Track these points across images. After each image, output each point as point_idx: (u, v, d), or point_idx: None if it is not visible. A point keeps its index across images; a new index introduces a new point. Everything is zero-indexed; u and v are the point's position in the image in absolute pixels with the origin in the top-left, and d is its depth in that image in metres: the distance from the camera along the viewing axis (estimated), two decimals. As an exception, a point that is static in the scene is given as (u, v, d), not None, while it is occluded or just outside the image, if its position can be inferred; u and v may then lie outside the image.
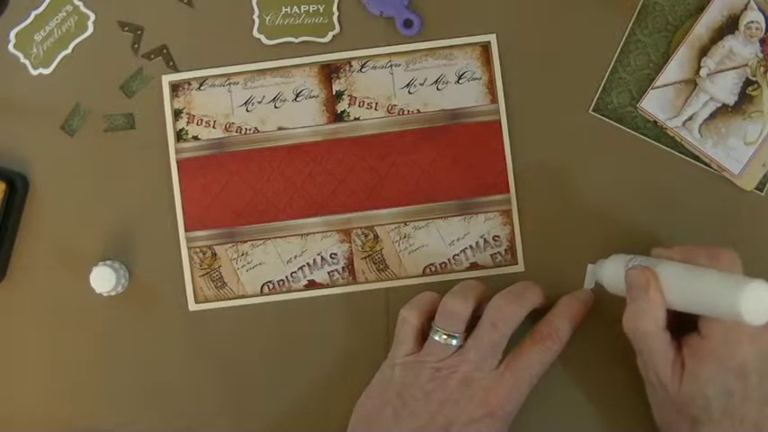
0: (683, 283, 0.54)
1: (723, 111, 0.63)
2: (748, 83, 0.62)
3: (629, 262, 0.58)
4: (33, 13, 0.66)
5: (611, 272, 0.59)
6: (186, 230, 0.65)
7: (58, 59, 0.66)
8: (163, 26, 0.65)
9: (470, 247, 0.65)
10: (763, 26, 0.62)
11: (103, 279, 0.62)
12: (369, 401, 0.60)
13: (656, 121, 0.63)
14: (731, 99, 0.63)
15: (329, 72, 0.65)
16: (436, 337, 0.59)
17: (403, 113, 0.65)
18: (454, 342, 0.59)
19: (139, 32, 0.66)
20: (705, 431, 0.55)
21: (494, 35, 0.64)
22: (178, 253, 0.65)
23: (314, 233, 0.65)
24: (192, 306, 0.65)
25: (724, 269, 0.54)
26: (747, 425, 0.54)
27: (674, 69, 0.63)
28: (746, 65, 0.62)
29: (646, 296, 0.55)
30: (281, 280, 0.65)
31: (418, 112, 0.65)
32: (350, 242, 0.65)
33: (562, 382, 0.63)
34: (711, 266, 0.55)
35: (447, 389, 0.58)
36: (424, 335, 0.60)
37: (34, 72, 0.66)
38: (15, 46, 0.66)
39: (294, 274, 0.65)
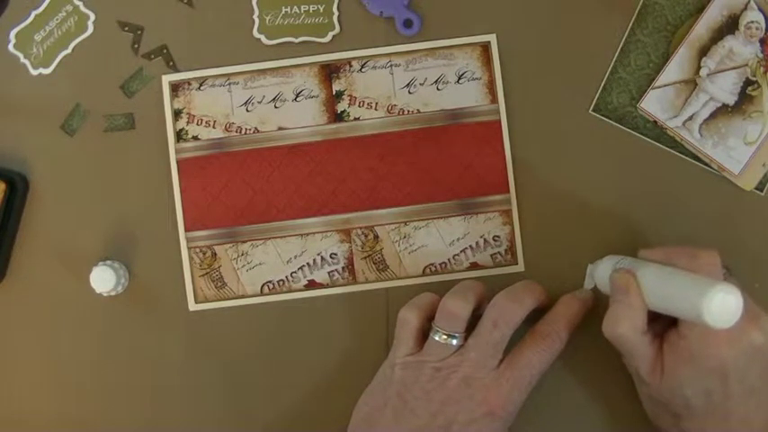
0: (658, 287, 0.54)
1: (723, 111, 0.63)
2: (748, 83, 0.62)
3: (616, 264, 0.58)
4: (33, 13, 0.66)
5: (601, 273, 0.59)
6: (186, 230, 0.65)
7: (58, 59, 0.66)
8: (163, 26, 0.65)
9: (470, 247, 0.64)
10: (763, 26, 0.62)
11: (103, 279, 0.62)
12: (369, 401, 0.60)
13: (656, 121, 0.63)
14: (731, 99, 0.63)
15: (329, 72, 0.65)
16: (436, 338, 0.59)
17: (403, 113, 0.65)
18: (454, 342, 0.59)
19: (139, 32, 0.66)
20: (686, 425, 0.56)
21: (494, 35, 0.64)
22: (178, 253, 0.65)
23: (314, 233, 0.65)
24: (192, 306, 0.65)
25: (703, 269, 0.54)
26: (734, 420, 0.55)
27: (674, 69, 0.63)
28: (746, 65, 0.62)
29: (626, 300, 0.55)
30: (281, 280, 0.65)
31: (418, 112, 0.65)
32: (350, 242, 0.65)
33: (562, 382, 0.63)
34: (691, 267, 0.54)
35: (447, 388, 0.58)
36: (424, 335, 0.60)
37: (34, 72, 0.66)
38: (15, 46, 0.66)
39: (294, 274, 0.65)
